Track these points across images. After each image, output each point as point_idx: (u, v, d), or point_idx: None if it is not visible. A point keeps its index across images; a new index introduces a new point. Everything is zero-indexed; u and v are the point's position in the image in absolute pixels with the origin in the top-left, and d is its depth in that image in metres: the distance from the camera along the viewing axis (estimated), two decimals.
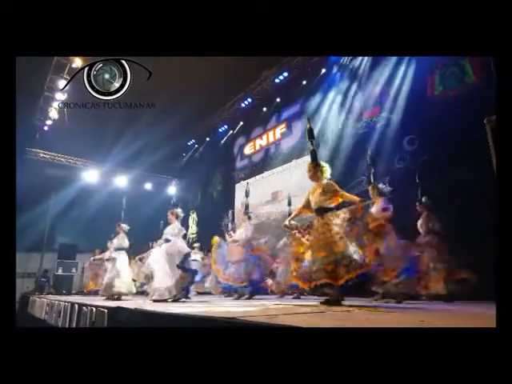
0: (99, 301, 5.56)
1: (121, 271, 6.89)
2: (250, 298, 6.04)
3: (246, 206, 7.40)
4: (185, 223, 13.77)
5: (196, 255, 8.17)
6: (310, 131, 4.56)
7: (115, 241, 7.35)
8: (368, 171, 5.82)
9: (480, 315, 2.68)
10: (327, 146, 9.17)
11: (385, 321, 2.32)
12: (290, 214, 5.43)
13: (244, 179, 12.03)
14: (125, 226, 7.41)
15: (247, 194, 7.75)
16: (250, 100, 12.05)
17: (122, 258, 7.09)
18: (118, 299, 6.48)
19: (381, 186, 5.34)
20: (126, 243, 7.21)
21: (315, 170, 4.15)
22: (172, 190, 16.19)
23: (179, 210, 5.84)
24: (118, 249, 7.19)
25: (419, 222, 5.24)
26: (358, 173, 8.03)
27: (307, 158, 9.46)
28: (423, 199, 5.32)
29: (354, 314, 2.71)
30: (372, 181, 5.48)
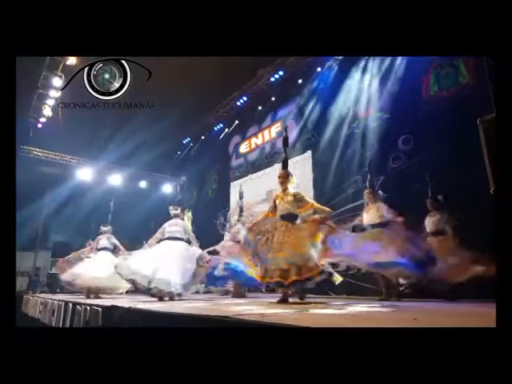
0: (94, 299, 5.56)
1: (105, 268, 7.00)
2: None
3: (241, 209, 7.31)
4: None
5: None
6: (285, 140, 4.79)
7: (101, 241, 7.63)
8: (365, 177, 5.86)
9: (480, 315, 2.70)
10: (322, 145, 9.21)
11: (382, 321, 2.34)
12: None
13: (239, 178, 12.03)
14: (109, 228, 7.84)
15: (241, 196, 7.70)
16: (245, 98, 12.05)
17: (107, 256, 7.34)
18: (98, 297, 6.71)
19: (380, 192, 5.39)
20: (110, 244, 7.54)
21: (287, 178, 4.38)
22: (168, 188, 16.18)
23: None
24: (103, 249, 7.47)
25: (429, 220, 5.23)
26: (353, 172, 8.07)
27: (302, 157, 9.59)
28: (439, 197, 5.32)
29: (347, 313, 2.74)
30: (368, 186, 5.52)
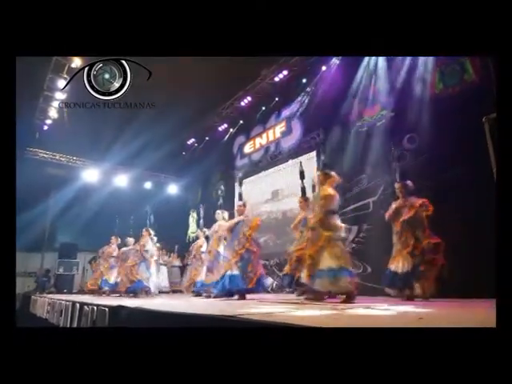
0: (101, 300, 5.57)
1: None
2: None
3: (303, 191, 5.91)
4: (185, 222, 13.77)
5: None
6: (302, 173, 5.60)
7: (147, 245, 8.15)
8: (393, 169, 5.62)
9: (480, 315, 2.67)
10: (327, 145, 9.17)
11: (383, 320, 2.32)
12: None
13: (244, 178, 12.01)
14: (151, 231, 8.41)
15: (303, 176, 6.06)
16: (249, 98, 12.03)
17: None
18: None
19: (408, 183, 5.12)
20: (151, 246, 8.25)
21: (306, 202, 5.43)
22: (173, 188, 16.18)
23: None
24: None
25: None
26: (358, 171, 8.02)
27: (306, 157, 9.56)
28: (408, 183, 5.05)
29: (349, 313, 2.73)
30: (397, 179, 5.28)
